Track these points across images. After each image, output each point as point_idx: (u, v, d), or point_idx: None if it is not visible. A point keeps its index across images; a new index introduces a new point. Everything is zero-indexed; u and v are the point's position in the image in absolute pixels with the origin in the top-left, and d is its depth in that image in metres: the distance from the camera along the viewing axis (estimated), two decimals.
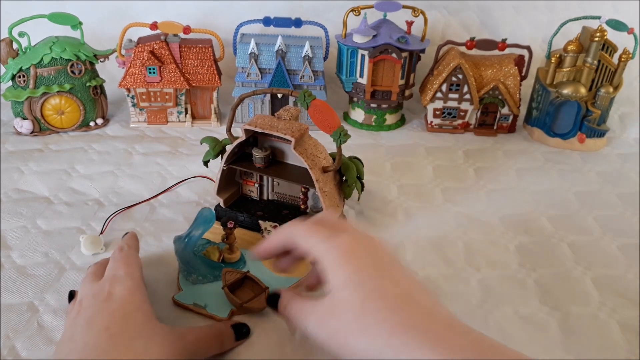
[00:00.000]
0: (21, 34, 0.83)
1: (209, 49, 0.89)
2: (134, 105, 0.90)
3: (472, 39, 0.89)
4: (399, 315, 0.35)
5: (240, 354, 0.48)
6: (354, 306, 0.36)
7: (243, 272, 0.54)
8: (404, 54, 0.88)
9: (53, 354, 0.46)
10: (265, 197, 0.69)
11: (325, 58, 0.91)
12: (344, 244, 0.39)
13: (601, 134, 0.89)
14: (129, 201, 0.70)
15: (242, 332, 0.49)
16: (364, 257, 0.39)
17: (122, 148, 0.84)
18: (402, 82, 0.92)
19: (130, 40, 0.88)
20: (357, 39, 0.88)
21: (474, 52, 0.92)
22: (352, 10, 0.90)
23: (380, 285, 0.37)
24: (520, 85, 0.91)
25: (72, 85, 0.86)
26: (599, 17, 0.84)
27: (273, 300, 0.44)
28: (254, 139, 0.63)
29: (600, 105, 0.87)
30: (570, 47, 0.85)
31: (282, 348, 0.49)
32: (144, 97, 0.89)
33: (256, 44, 0.87)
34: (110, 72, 0.99)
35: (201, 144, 0.67)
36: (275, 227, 0.60)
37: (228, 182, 0.67)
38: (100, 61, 0.89)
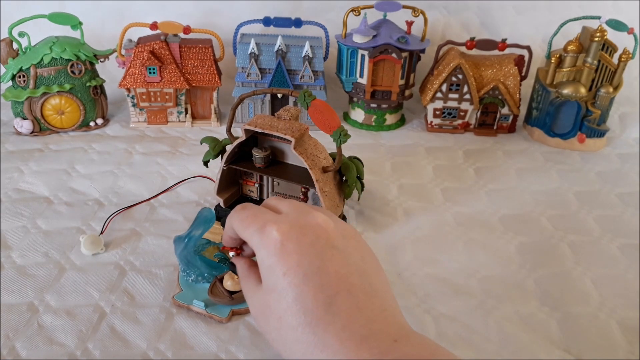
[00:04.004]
0: (21, 34, 0.83)
1: (209, 49, 0.89)
2: (134, 105, 0.90)
3: (472, 39, 0.89)
4: (312, 335, 0.34)
5: (241, 353, 0.48)
6: (276, 315, 0.36)
7: None
8: (404, 54, 0.88)
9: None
10: (265, 197, 0.69)
11: (325, 58, 0.91)
12: (276, 240, 0.36)
13: (601, 134, 0.89)
14: (129, 201, 0.70)
15: None
16: (294, 254, 0.36)
17: (122, 148, 0.84)
18: (402, 82, 0.92)
19: (130, 40, 0.88)
20: (357, 39, 0.87)
21: (474, 52, 0.92)
22: (352, 10, 0.90)
23: (303, 294, 0.35)
24: (520, 85, 0.91)
25: (72, 85, 0.86)
26: (599, 17, 0.84)
27: (234, 268, 0.44)
28: (254, 139, 0.63)
29: (600, 105, 0.87)
30: (570, 47, 0.85)
31: None
32: (144, 97, 0.89)
33: (256, 44, 0.87)
34: (110, 72, 0.99)
35: (201, 144, 0.67)
36: None
37: (228, 182, 0.67)
38: (100, 61, 0.89)
